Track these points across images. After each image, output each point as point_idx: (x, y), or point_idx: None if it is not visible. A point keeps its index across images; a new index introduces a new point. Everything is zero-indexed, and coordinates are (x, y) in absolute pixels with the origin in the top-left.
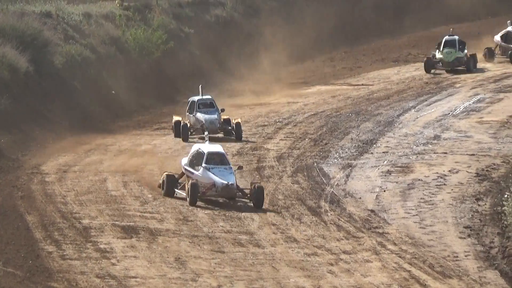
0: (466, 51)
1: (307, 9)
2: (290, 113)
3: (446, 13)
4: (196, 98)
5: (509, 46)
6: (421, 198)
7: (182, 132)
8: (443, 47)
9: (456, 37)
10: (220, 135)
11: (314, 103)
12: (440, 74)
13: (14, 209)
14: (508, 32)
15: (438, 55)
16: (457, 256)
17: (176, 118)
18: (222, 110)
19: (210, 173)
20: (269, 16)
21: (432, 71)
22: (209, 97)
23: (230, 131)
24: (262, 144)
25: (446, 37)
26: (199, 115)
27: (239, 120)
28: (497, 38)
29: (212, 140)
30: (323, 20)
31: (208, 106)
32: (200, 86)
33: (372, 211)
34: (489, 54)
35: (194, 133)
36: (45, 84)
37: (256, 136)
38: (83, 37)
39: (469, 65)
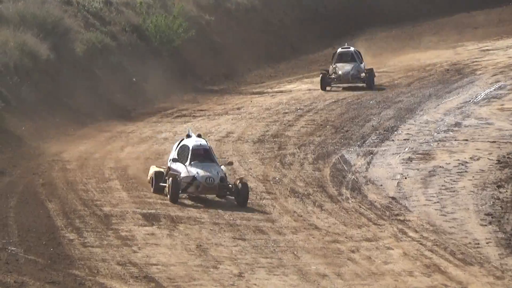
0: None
1: None
2: (311, 100)
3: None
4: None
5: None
6: (442, 185)
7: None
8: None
9: (352, 49)
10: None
11: (334, 90)
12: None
13: (35, 197)
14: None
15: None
16: (478, 243)
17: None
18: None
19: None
20: (290, 3)
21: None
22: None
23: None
24: (283, 132)
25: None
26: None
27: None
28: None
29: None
30: (342, 6)
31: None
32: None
33: (393, 198)
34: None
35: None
36: (66, 72)
37: (277, 123)
38: (104, 25)
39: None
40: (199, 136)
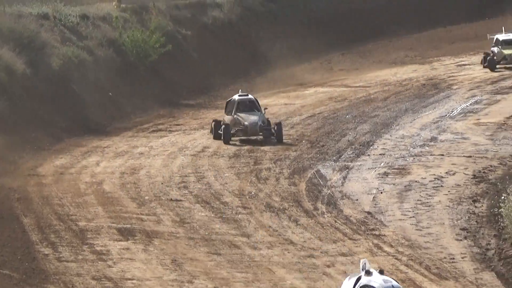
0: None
1: (304, 12)
2: (287, 114)
3: (443, 14)
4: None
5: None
6: (417, 200)
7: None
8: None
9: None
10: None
11: (311, 105)
12: None
13: (10, 211)
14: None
15: None
16: (453, 258)
17: None
18: None
19: None
20: (266, 18)
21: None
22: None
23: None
24: (259, 146)
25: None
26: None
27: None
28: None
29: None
30: (320, 22)
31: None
32: None
33: (368, 213)
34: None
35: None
36: (42, 86)
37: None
38: (80, 39)
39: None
40: (381, 272)
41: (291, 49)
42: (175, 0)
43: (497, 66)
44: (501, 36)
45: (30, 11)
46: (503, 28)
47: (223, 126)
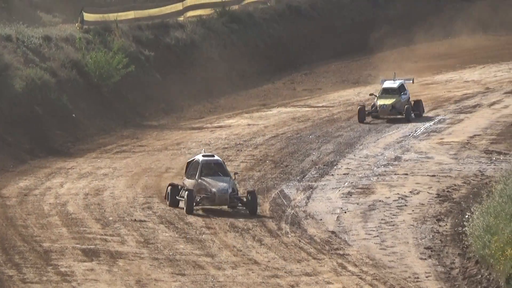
0: None
1: (267, 31)
2: (251, 135)
3: (408, 35)
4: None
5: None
6: (382, 219)
7: None
8: None
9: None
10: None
11: (274, 125)
12: None
13: None
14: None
15: None
16: (418, 277)
17: None
18: None
19: None
20: (228, 38)
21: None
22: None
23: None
24: None
25: None
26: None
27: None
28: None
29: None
30: (282, 41)
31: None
32: None
33: (333, 232)
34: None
35: None
36: (5, 108)
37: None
38: (43, 61)
39: None
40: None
41: (254, 69)
42: (138, 21)
43: (370, 117)
44: (386, 83)
45: None
46: (394, 73)
47: (186, 192)
